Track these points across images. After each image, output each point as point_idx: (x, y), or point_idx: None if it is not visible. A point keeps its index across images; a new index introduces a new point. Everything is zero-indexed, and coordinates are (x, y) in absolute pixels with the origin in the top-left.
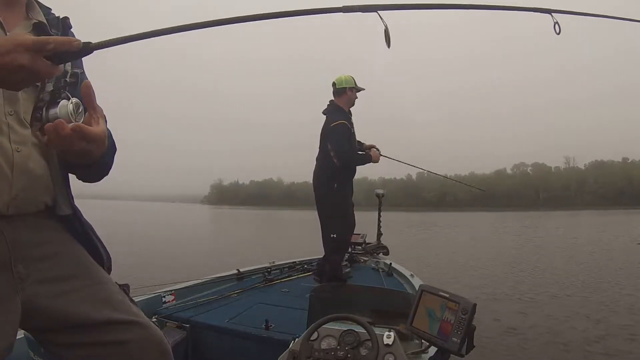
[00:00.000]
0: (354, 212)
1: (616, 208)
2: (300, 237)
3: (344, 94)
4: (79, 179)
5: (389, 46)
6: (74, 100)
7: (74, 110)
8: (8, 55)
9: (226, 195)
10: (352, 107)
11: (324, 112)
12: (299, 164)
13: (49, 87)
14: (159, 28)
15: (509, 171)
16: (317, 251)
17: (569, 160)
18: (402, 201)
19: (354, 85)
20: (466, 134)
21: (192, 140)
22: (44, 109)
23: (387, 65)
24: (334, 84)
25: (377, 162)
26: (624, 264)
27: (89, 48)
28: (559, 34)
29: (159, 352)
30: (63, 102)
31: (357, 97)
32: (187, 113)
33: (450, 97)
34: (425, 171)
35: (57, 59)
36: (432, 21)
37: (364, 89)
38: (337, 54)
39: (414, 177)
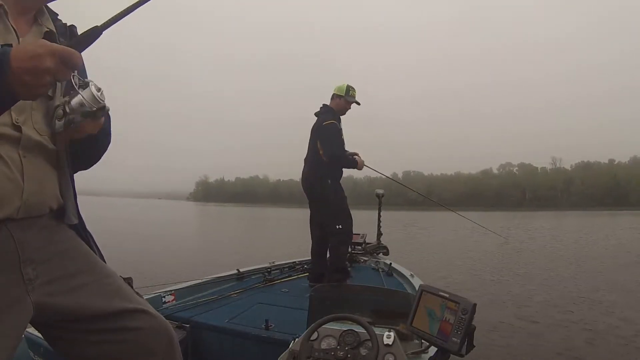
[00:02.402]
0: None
1: (602, 209)
2: (290, 236)
3: (335, 99)
4: (86, 162)
5: None
6: (91, 82)
7: (96, 90)
8: (39, 58)
9: (212, 192)
10: (343, 116)
11: (316, 114)
12: (284, 161)
13: (60, 98)
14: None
15: (495, 171)
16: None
17: (556, 161)
18: (387, 200)
19: (343, 95)
20: (453, 134)
21: (177, 137)
22: (65, 105)
23: (369, 65)
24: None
25: (361, 169)
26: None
27: (97, 32)
28: None
29: (167, 339)
30: (81, 89)
31: (349, 108)
32: (171, 111)
33: (437, 98)
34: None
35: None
36: (418, 22)
37: (358, 103)
38: (319, 54)
39: (400, 175)
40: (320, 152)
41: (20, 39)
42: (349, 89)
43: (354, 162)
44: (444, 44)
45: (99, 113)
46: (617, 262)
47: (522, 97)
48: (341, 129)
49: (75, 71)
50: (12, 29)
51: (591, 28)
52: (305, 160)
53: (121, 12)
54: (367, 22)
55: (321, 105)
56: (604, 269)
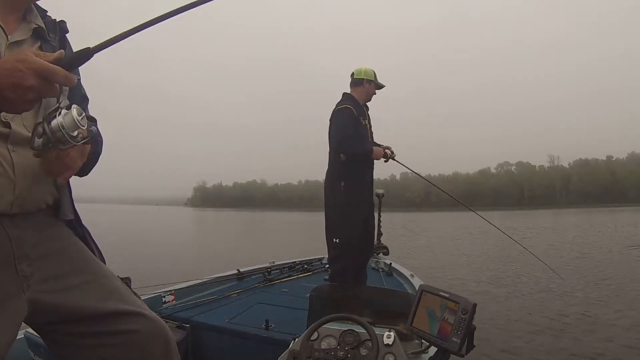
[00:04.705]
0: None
1: (600, 206)
2: (290, 240)
3: (360, 86)
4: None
5: None
6: (74, 106)
7: (78, 114)
8: (20, 75)
9: (210, 198)
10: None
11: (337, 104)
12: (281, 166)
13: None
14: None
15: (493, 170)
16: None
17: (554, 159)
18: (386, 201)
19: (373, 79)
20: (449, 134)
21: (173, 144)
22: (45, 123)
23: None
24: (352, 74)
25: (378, 158)
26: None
27: (88, 54)
28: None
29: (164, 342)
30: (64, 111)
31: (375, 93)
32: (166, 117)
33: (432, 98)
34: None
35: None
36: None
37: (384, 86)
38: (312, 59)
39: (397, 177)
40: (334, 142)
41: (9, 36)
42: (375, 73)
43: (370, 151)
44: (437, 44)
45: (77, 139)
46: (618, 262)
47: (518, 95)
48: (360, 117)
49: (66, 89)
50: None
51: (587, 27)
52: (329, 159)
53: (115, 36)
54: (356, 24)
55: (342, 94)
56: (608, 271)
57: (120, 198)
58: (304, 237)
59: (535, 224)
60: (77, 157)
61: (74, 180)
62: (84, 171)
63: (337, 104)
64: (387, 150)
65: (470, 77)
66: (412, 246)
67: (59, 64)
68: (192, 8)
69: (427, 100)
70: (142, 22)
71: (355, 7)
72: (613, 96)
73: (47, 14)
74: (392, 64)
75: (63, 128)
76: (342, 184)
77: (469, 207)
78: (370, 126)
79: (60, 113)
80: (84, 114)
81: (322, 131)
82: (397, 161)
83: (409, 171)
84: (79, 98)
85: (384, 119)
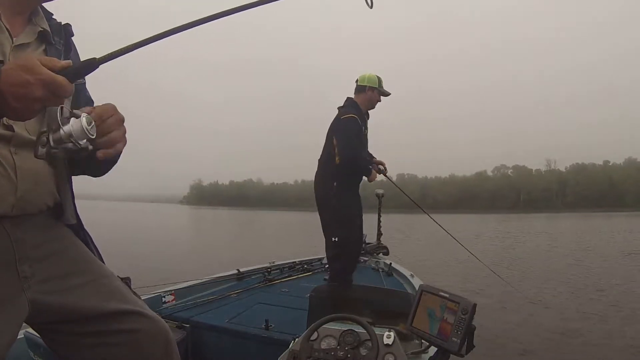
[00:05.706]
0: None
1: (597, 210)
2: (287, 240)
3: (363, 93)
4: (95, 175)
5: (371, 7)
6: (84, 115)
7: (87, 123)
8: (27, 86)
9: (206, 196)
10: (372, 110)
11: (339, 108)
12: (278, 166)
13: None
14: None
15: (489, 173)
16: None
17: (550, 162)
18: (383, 202)
19: (377, 87)
20: (446, 136)
21: (169, 142)
22: (50, 133)
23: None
24: (356, 81)
25: (371, 182)
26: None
27: (94, 64)
28: (371, 7)
29: (165, 342)
30: (73, 119)
31: (379, 100)
32: (161, 115)
33: (428, 99)
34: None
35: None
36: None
37: (389, 94)
38: (301, 58)
39: (394, 178)
40: (336, 149)
41: (14, 39)
42: (380, 80)
43: (367, 171)
44: (433, 45)
45: (84, 150)
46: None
47: (517, 96)
48: (363, 126)
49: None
50: (5, 29)
51: (583, 28)
52: (319, 160)
53: (122, 48)
54: (355, 24)
55: (345, 99)
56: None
57: (115, 195)
58: (303, 237)
59: (531, 228)
60: (121, 137)
61: (74, 179)
62: (105, 168)
63: (341, 110)
64: (380, 166)
65: (470, 77)
66: (407, 248)
67: (65, 72)
68: (203, 24)
69: (424, 102)
70: (149, 36)
71: (354, 8)
72: (612, 97)
73: (53, 16)
74: (392, 64)
75: (71, 136)
76: (335, 184)
77: (424, 210)
78: (367, 133)
79: (68, 122)
80: (93, 122)
81: (319, 131)
82: (387, 177)
83: (405, 173)
84: (84, 101)
85: (382, 119)
